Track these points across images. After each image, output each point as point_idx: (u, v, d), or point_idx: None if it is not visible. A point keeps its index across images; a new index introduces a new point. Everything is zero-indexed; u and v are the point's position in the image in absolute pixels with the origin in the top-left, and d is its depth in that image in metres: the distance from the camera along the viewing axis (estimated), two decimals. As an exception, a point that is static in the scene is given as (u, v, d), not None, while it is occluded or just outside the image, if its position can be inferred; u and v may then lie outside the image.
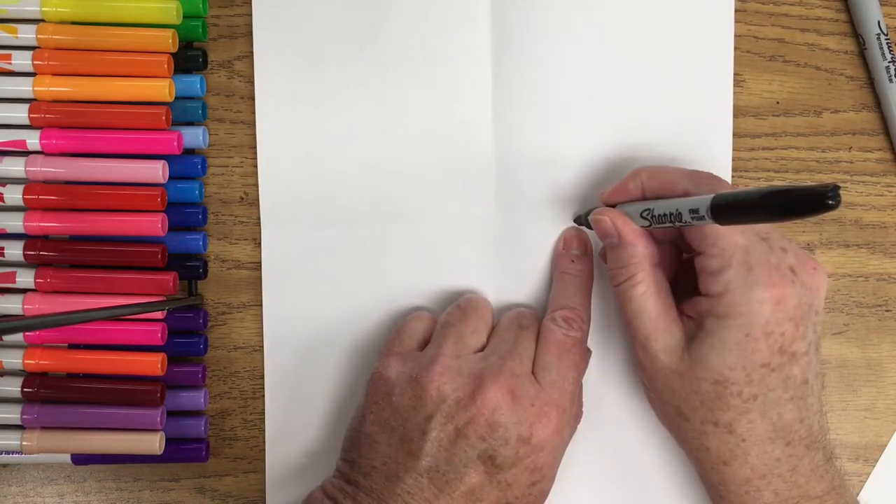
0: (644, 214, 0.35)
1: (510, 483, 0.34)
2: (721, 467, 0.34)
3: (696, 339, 0.33)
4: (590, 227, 0.38)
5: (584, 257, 0.40)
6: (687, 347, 0.34)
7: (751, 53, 0.42)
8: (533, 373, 0.36)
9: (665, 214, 0.33)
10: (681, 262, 0.38)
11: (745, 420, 0.33)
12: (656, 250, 0.35)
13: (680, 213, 0.32)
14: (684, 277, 0.37)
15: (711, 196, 0.30)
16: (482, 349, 0.37)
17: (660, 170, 0.36)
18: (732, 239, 0.32)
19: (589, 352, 0.38)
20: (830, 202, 0.25)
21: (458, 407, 0.34)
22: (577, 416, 0.38)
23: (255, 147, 0.41)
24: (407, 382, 0.35)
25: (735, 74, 0.41)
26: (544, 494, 0.36)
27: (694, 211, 0.31)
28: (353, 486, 0.35)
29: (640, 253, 0.35)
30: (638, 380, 0.40)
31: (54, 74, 0.39)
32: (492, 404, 0.34)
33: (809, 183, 0.27)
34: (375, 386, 0.36)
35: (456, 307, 0.39)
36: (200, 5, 0.40)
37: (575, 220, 0.40)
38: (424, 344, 0.38)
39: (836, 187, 0.25)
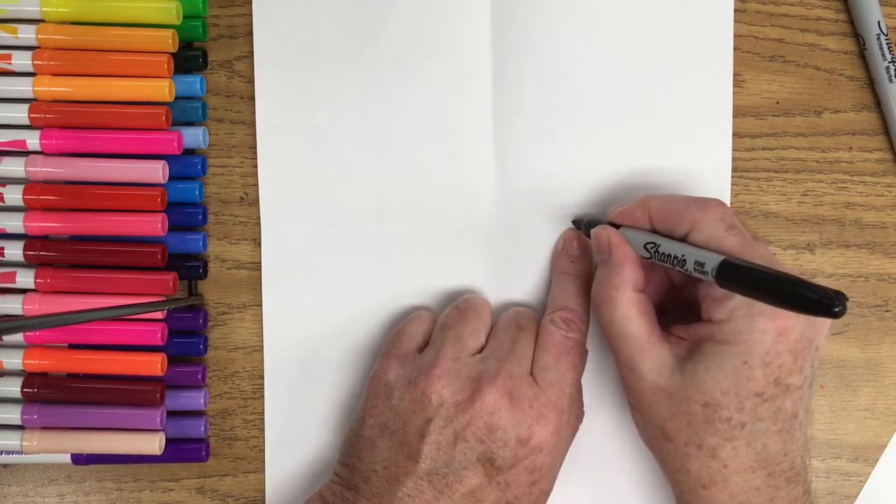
0: (648, 247, 0.35)
1: (510, 483, 0.34)
2: (699, 491, 0.34)
3: (690, 361, 0.33)
4: (587, 234, 0.38)
5: (584, 258, 0.40)
6: (679, 368, 0.33)
7: (751, 53, 0.42)
8: (532, 374, 0.36)
9: (669, 255, 0.33)
10: (670, 285, 0.38)
11: (730, 446, 0.33)
12: (642, 277, 0.35)
13: (685, 260, 0.32)
14: (673, 302, 0.37)
15: (721, 258, 0.31)
16: (481, 350, 0.37)
17: (668, 199, 0.35)
18: None
19: (587, 352, 0.38)
20: (836, 309, 0.26)
21: (457, 410, 0.34)
22: (578, 416, 0.38)
23: (255, 147, 0.41)
24: (406, 386, 0.35)
25: (735, 74, 0.41)
26: (545, 494, 0.36)
27: (700, 264, 0.32)
28: (353, 491, 0.35)
29: (625, 276, 0.35)
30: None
31: (54, 74, 0.39)
32: (490, 407, 0.34)
33: (819, 283, 0.27)
34: (375, 389, 0.36)
35: (454, 308, 0.38)
36: (200, 5, 0.40)
37: (574, 223, 0.40)
38: (424, 345, 0.38)
39: (845, 298, 0.26)
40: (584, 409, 0.39)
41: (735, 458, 0.33)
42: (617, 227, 0.37)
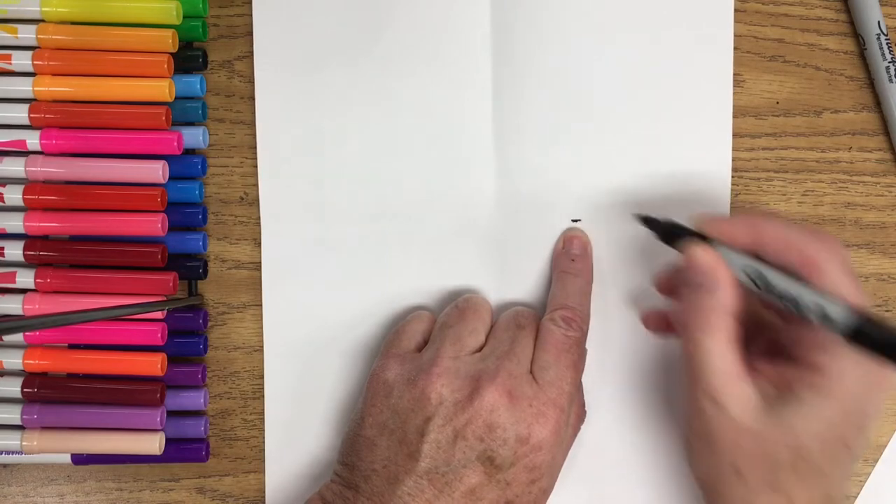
0: (750, 274, 0.31)
1: (509, 482, 0.34)
2: None
3: (783, 403, 0.32)
4: (665, 239, 0.35)
5: (584, 257, 0.40)
6: (766, 407, 0.32)
7: (751, 53, 0.42)
8: (531, 372, 0.36)
9: (780, 293, 0.30)
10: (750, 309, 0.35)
11: (807, 493, 0.32)
12: (739, 305, 0.33)
13: (799, 303, 0.30)
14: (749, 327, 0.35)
15: (858, 318, 0.29)
16: (480, 349, 0.37)
17: (786, 228, 0.32)
18: None
19: (586, 351, 0.38)
20: None
21: (457, 409, 0.34)
22: (580, 415, 0.38)
23: (255, 147, 0.41)
24: (405, 385, 0.35)
25: (735, 74, 0.41)
26: (545, 492, 0.36)
27: (824, 315, 0.29)
28: (353, 490, 0.35)
29: (726, 303, 0.32)
30: (636, 379, 0.41)
31: (54, 74, 0.39)
32: (489, 405, 0.34)
33: None
34: (374, 388, 0.36)
35: (454, 308, 0.39)
36: (200, 5, 0.40)
37: (644, 220, 0.37)
38: (424, 344, 0.38)
39: None
40: (586, 408, 0.39)
41: (807, 501, 0.32)
42: (704, 237, 0.34)
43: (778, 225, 0.33)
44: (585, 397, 0.39)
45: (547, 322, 0.37)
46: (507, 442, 0.34)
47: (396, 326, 0.39)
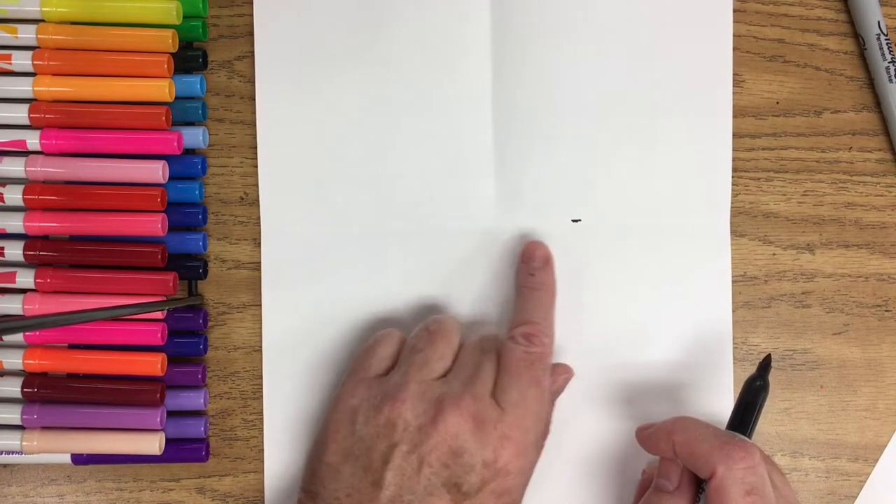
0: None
1: None
2: None
3: None
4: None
5: (545, 269, 0.39)
6: None
7: (751, 53, 0.42)
8: (493, 395, 0.35)
9: None
10: None
11: None
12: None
13: None
14: None
15: None
16: (446, 374, 0.36)
17: (693, 438, 0.34)
18: None
19: (550, 365, 0.37)
20: None
21: (421, 434, 0.33)
22: (544, 433, 0.37)
23: (255, 147, 0.41)
24: (371, 411, 0.34)
25: (735, 74, 0.41)
26: None
27: None
28: None
29: None
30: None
31: (54, 74, 0.39)
32: (453, 430, 0.33)
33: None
34: (339, 414, 0.35)
35: (424, 330, 0.37)
36: (200, 5, 0.40)
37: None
38: (392, 367, 0.37)
39: None
40: (561, 420, 0.39)
41: None
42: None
43: (687, 437, 0.34)
44: (566, 407, 0.39)
45: (507, 342, 0.36)
46: (473, 468, 0.33)
47: (364, 345, 0.38)
